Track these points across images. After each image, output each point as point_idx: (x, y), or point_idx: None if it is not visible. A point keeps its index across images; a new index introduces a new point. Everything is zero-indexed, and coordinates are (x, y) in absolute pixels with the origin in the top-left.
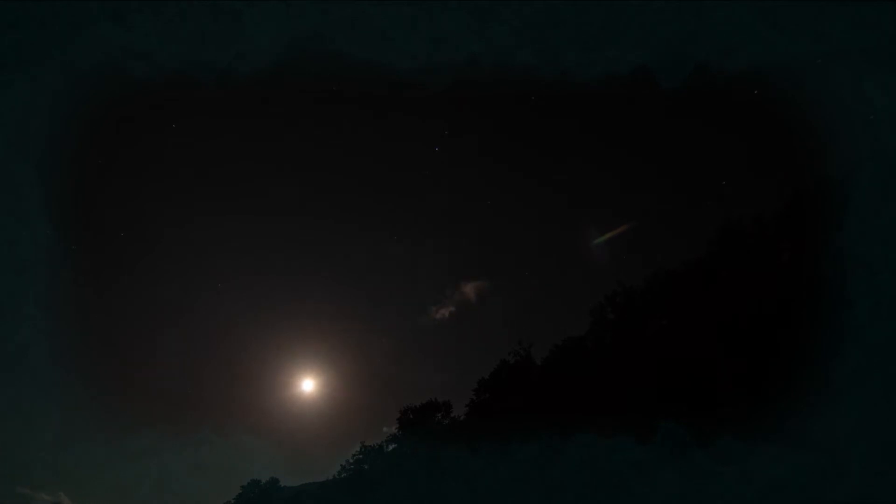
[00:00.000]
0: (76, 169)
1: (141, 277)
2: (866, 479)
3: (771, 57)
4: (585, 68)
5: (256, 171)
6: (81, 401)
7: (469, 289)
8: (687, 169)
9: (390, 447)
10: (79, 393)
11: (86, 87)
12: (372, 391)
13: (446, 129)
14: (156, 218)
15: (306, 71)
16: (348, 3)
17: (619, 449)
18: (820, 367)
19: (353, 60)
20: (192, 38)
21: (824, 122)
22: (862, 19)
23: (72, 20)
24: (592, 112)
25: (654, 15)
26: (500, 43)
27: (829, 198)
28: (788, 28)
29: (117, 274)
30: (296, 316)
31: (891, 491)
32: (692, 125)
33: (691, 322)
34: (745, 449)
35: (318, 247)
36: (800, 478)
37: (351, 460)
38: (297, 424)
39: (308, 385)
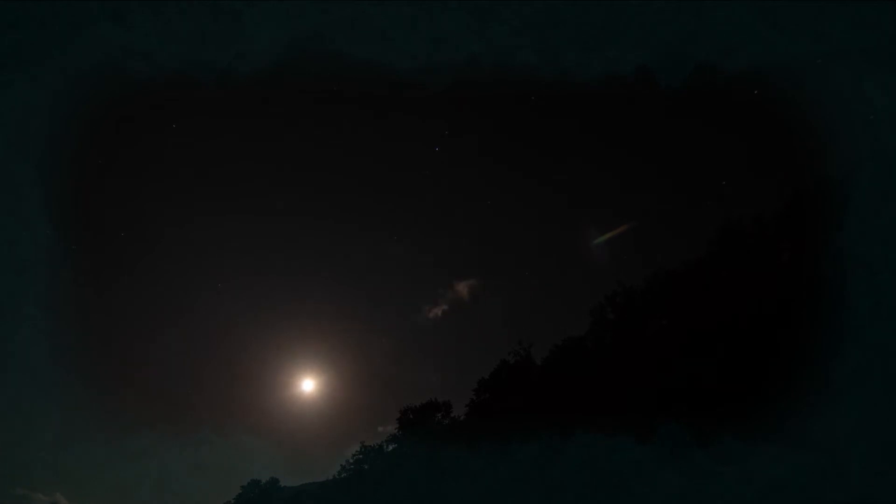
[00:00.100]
0: (76, 169)
1: (141, 277)
2: (866, 479)
3: (771, 57)
4: (585, 68)
5: (256, 171)
6: (81, 401)
7: (469, 289)
8: (687, 169)
9: (390, 447)
10: (79, 393)
11: (86, 87)
12: (372, 391)
13: (446, 129)
14: (156, 218)
15: (306, 71)
16: (348, 3)
17: (619, 449)
18: (820, 367)
19: (353, 60)
20: (192, 38)
21: (824, 122)
22: (862, 19)
23: (72, 20)
24: (592, 112)
25: (654, 15)
26: (500, 43)
27: (829, 198)
28: (788, 28)
29: (117, 274)
30: (296, 316)
31: (891, 491)
32: (692, 125)
33: (691, 322)
34: (745, 449)
35: (318, 247)
36: (800, 478)
37: (351, 460)
38: (297, 424)
39: (308, 385)
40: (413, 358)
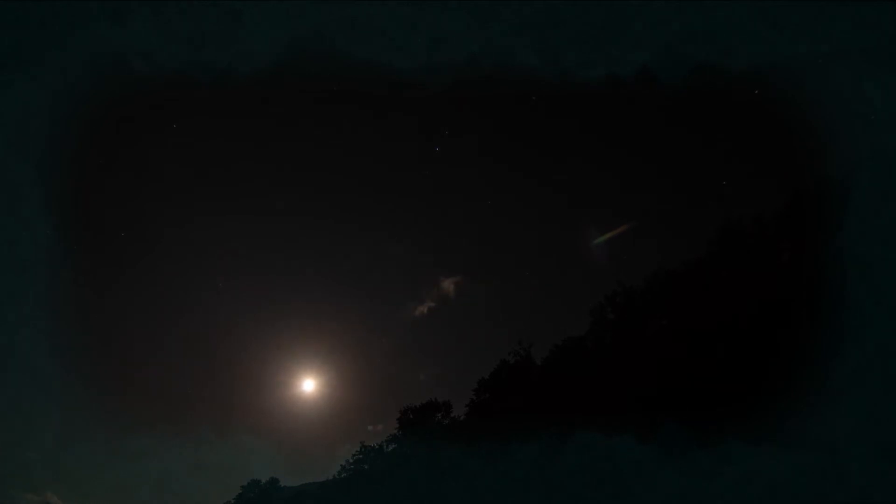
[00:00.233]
0: (76, 169)
1: (141, 277)
2: (866, 478)
3: (771, 57)
4: (585, 68)
5: (256, 171)
6: (81, 401)
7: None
8: (687, 169)
9: (390, 447)
10: (79, 393)
11: (86, 87)
12: (372, 391)
13: (446, 129)
14: (156, 218)
15: (306, 71)
16: (348, 3)
17: (619, 449)
18: (820, 367)
19: (353, 60)
20: (192, 38)
21: (824, 122)
22: (862, 19)
23: (72, 20)
24: (592, 112)
25: (654, 15)
26: (500, 43)
27: (829, 198)
28: (788, 28)
29: (117, 274)
30: (296, 316)
31: (891, 491)
32: (692, 125)
33: (691, 322)
34: (745, 449)
35: (318, 247)
36: (800, 478)
37: (351, 460)
38: (297, 424)
39: (308, 385)
40: (413, 358)
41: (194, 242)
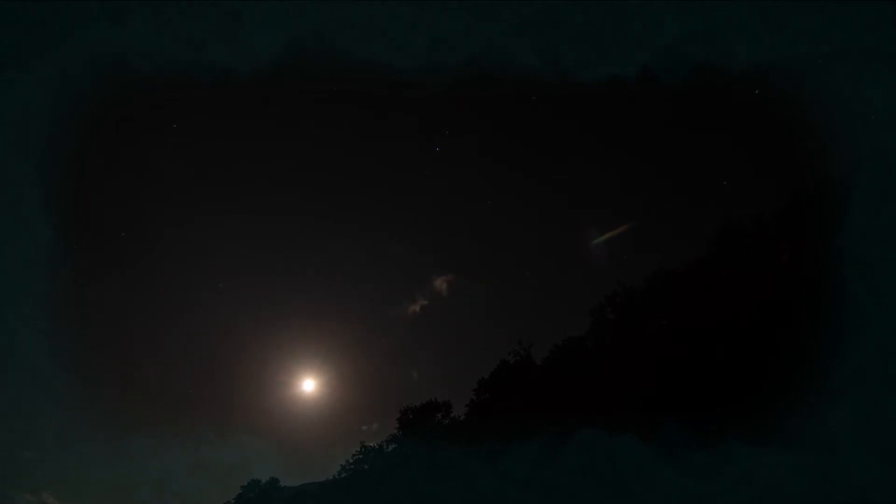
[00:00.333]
0: (76, 169)
1: (141, 277)
2: (866, 479)
3: (771, 57)
4: (585, 68)
5: (256, 171)
6: (81, 401)
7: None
8: (687, 169)
9: (390, 447)
10: (79, 393)
11: (86, 87)
12: (369, 390)
13: (446, 129)
14: (156, 218)
15: (306, 71)
16: (348, 3)
17: (619, 449)
18: (820, 367)
19: (353, 60)
20: (192, 38)
21: (824, 122)
22: (862, 19)
23: (72, 20)
24: (592, 112)
25: (654, 15)
26: (500, 43)
27: (829, 198)
28: (788, 28)
29: (117, 274)
30: (296, 316)
31: (891, 491)
32: (692, 125)
33: (691, 322)
34: (745, 449)
35: (318, 247)
36: (799, 478)
37: (351, 460)
38: (297, 424)
39: (308, 385)
40: (413, 357)
41: (194, 242)
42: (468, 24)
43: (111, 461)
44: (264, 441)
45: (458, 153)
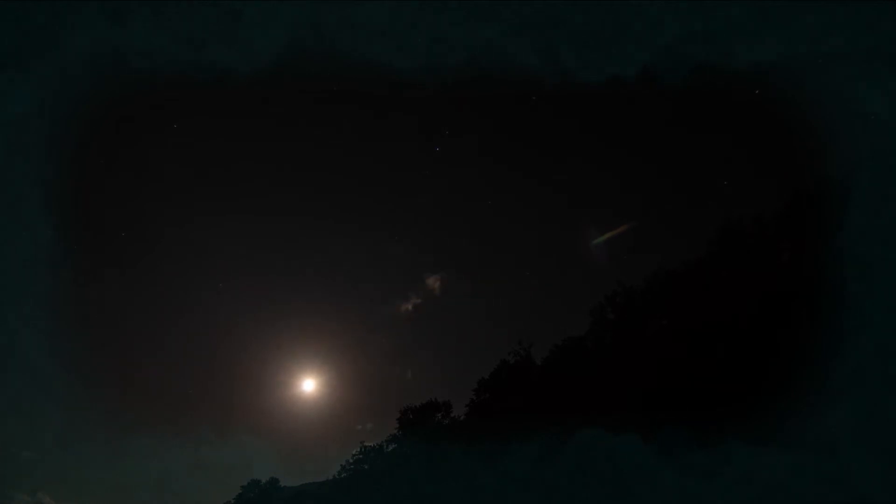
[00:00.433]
0: (76, 169)
1: (141, 277)
2: (866, 479)
3: (771, 57)
4: (585, 68)
5: (256, 171)
6: (81, 401)
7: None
8: (687, 169)
9: (390, 447)
10: (79, 393)
11: (86, 87)
12: (366, 390)
13: (446, 129)
14: (156, 218)
15: (306, 71)
16: (348, 2)
17: (620, 449)
18: (820, 367)
19: (353, 60)
20: (192, 38)
21: (824, 122)
22: (862, 19)
23: (72, 20)
24: (592, 112)
25: (654, 15)
26: (500, 43)
27: (829, 198)
28: (788, 28)
29: (117, 274)
30: (296, 316)
31: (891, 491)
32: (692, 125)
33: (691, 322)
34: (745, 449)
35: (318, 247)
36: (799, 478)
37: (351, 460)
38: (297, 424)
39: (308, 385)
40: (413, 358)
41: (194, 242)
42: (468, 24)
43: (111, 461)
44: (264, 441)
45: (458, 153)
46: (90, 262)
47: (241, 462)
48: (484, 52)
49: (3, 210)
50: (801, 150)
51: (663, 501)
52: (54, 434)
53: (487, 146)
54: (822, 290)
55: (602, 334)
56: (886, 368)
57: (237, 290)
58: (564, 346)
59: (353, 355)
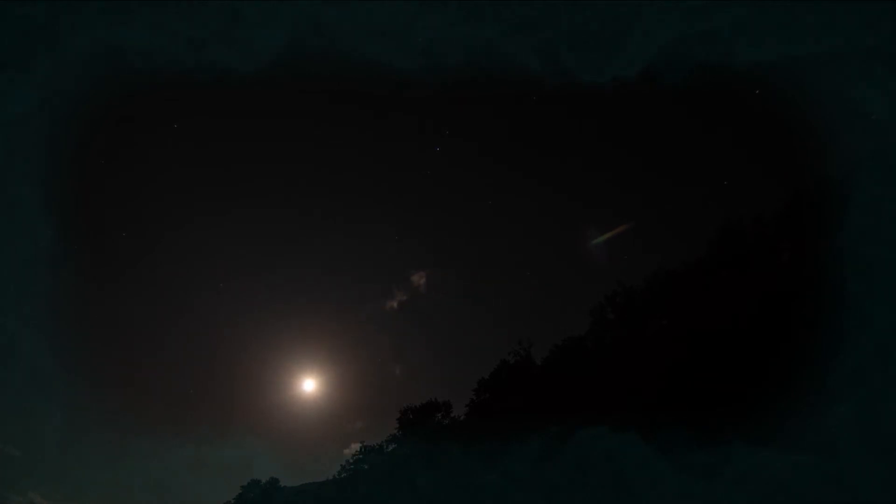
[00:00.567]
0: (76, 169)
1: (141, 277)
2: (866, 478)
3: (771, 57)
4: (585, 68)
5: (256, 171)
6: (82, 401)
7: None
8: (687, 169)
9: (390, 447)
10: (80, 394)
11: (86, 87)
12: (371, 391)
13: (446, 129)
14: (156, 218)
15: (306, 71)
16: (348, 2)
17: (620, 449)
18: (820, 367)
19: (353, 60)
20: (192, 38)
21: (824, 122)
22: (862, 19)
23: (72, 20)
24: (593, 112)
25: (654, 15)
26: (500, 43)
27: (829, 198)
28: (788, 28)
29: (117, 274)
30: (296, 316)
31: (891, 491)
32: (693, 125)
33: (691, 322)
34: (744, 449)
35: (318, 246)
36: (799, 478)
37: (351, 460)
38: (297, 424)
39: (308, 385)
40: (412, 358)
41: (194, 242)
42: (468, 24)
43: (112, 461)
44: (264, 441)
45: (458, 153)
46: (90, 262)
47: (241, 462)
48: (484, 52)
49: (3, 210)
50: (801, 150)
51: (663, 501)
52: (55, 434)
53: (487, 146)
54: (822, 290)
55: (602, 334)
56: (886, 368)
57: (237, 290)
58: (564, 346)
59: (353, 355)
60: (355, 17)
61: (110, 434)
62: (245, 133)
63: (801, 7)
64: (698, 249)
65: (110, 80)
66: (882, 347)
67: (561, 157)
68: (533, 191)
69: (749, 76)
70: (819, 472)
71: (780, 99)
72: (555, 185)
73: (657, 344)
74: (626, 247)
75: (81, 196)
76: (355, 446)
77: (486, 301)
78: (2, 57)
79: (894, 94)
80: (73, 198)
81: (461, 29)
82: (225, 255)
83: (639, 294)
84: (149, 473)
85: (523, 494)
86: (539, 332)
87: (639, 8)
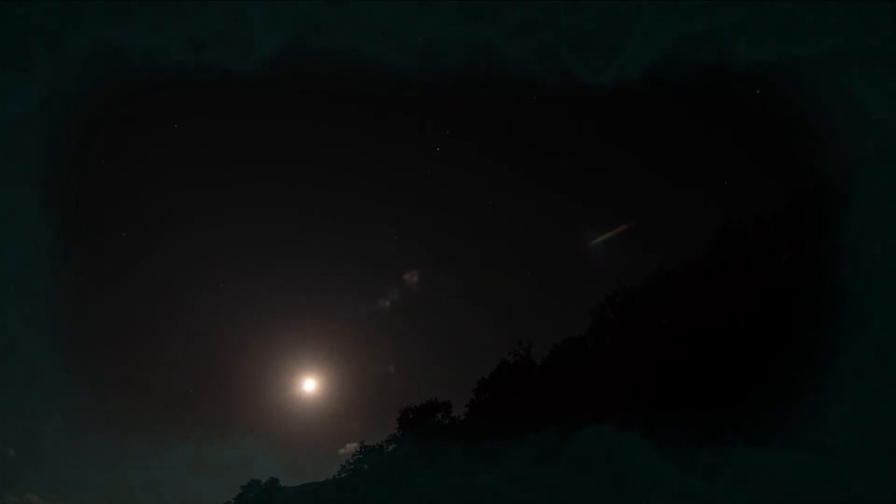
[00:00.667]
0: (76, 169)
1: (141, 277)
2: (865, 478)
3: (771, 57)
4: (585, 68)
5: (256, 171)
6: (82, 401)
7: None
8: (687, 169)
9: (390, 447)
10: (80, 394)
11: (86, 87)
12: (373, 391)
13: (446, 129)
14: (156, 218)
15: (306, 71)
16: (348, 2)
17: (620, 449)
18: (820, 367)
19: (353, 60)
20: (192, 38)
21: (824, 122)
22: (862, 19)
23: (72, 20)
24: (593, 112)
25: (654, 15)
26: (500, 43)
27: (829, 198)
28: (788, 28)
29: (117, 274)
30: (296, 316)
31: (891, 491)
32: (693, 125)
33: (691, 322)
34: (745, 449)
35: (318, 247)
36: (800, 478)
37: (351, 460)
38: (297, 425)
39: (308, 385)
40: (413, 357)
41: (194, 242)
42: (468, 24)
43: (112, 461)
44: (264, 441)
45: (458, 153)
46: (90, 262)
47: (241, 462)
48: (484, 52)
49: (3, 210)
50: (801, 150)
51: (663, 501)
52: (54, 434)
53: (487, 146)
54: (822, 290)
55: (602, 334)
56: (886, 368)
57: (237, 290)
58: (564, 346)
59: (353, 355)
60: (355, 17)
61: (110, 434)
62: (245, 133)
63: (801, 7)
64: (698, 249)
65: (110, 80)
66: (882, 347)
67: (561, 157)
68: (533, 191)
69: (749, 76)
70: (819, 472)
71: (780, 99)
72: (555, 185)
73: (657, 344)
74: (626, 247)
75: (81, 196)
76: (351, 446)
77: (486, 301)
78: (2, 57)
79: (894, 94)
80: (73, 198)
81: (461, 29)
82: (225, 255)
83: (639, 294)
84: (149, 473)
85: (523, 494)
86: (539, 332)
87: (639, 8)
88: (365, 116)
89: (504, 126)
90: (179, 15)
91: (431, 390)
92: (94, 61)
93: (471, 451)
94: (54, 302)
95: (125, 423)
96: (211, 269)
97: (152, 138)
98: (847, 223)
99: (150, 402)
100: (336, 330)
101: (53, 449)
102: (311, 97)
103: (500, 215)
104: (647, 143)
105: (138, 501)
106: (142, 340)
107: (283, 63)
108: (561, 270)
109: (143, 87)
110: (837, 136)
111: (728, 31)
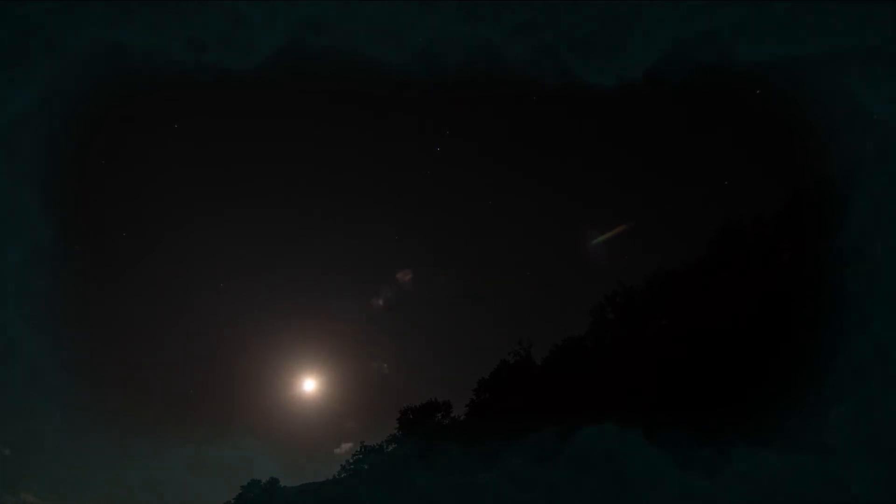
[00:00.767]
0: (76, 169)
1: (141, 277)
2: (866, 479)
3: (771, 57)
4: (585, 68)
5: (256, 171)
6: (82, 402)
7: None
8: (687, 169)
9: (390, 447)
10: (79, 394)
11: (86, 87)
12: (372, 391)
13: (446, 129)
14: (156, 218)
15: (306, 71)
16: (348, 2)
17: (620, 449)
18: (820, 367)
19: (354, 60)
20: (192, 38)
21: (824, 122)
22: (862, 19)
23: (72, 20)
24: (593, 112)
25: (654, 15)
26: (500, 43)
27: (829, 198)
28: (788, 28)
29: (117, 274)
30: (296, 316)
31: (891, 491)
32: (692, 125)
33: (691, 322)
34: (745, 449)
35: (318, 247)
36: (800, 478)
37: (351, 460)
38: (297, 425)
39: (309, 385)
40: (412, 358)
41: (194, 242)
42: (468, 24)
43: (111, 461)
44: (264, 441)
45: (458, 153)
46: (90, 262)
47: (241, 462)
48: (484, 52)
49: (3, 210)
50: (801, 150)
51: (663, 501)
52: (54, 434)
53: (487, 146)
54: (822, 290)
55: (602, 334)
56: (886, 368)
57: (237, 290)
58: (564, 346)
59: (353, 355)
60: (355, 17)
61: (110, 434)
62: (245, 133)
63: (801, 7)
64: (698, 249)
65: (110, 80)
66: (882, 347)
67: (561, 157)
68: (533, 191)
69: (749, 76)
70: (819, 472)
71: (780, 99)
72: (555, 185)
73: (657, 344)
74: (626, 247)
75: (81, 196)
76: (346, 446)
77: (486, 301)
78: (2, 57)
79: (894, 94)
80: (73, 198)
81: (461, 29)
82: (225, 255)
83: (639, 294)
84: (149, 473)
85: (523, 494)
86: (539, 332)
87: (639, 8)
88: (365, 116)
89: (504, 126)
90: (179, 15)
91: (431, 390)
92: (94, 61)
93: (471, 451)
94: (54, 302)
95: (125, 423)
96: (211, 269)
97: (152, 138)
98: (847, 223)
99: (150, 402)
100: (336, 330)
101: (53, 449)
102: (311, 97)
103: (500, 215)
104: (647, 143)
105: (138, 501)
106: (142, 340)
107: (282, 63)
108: (561, 270)
109: (143, 87)
110: (837, 136)
111: (728, 31)
